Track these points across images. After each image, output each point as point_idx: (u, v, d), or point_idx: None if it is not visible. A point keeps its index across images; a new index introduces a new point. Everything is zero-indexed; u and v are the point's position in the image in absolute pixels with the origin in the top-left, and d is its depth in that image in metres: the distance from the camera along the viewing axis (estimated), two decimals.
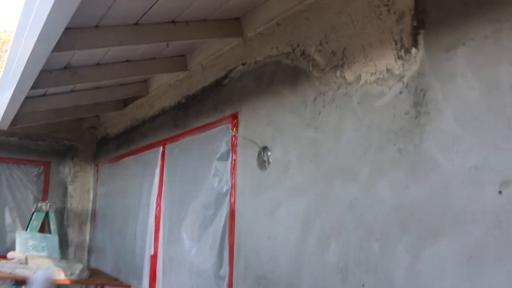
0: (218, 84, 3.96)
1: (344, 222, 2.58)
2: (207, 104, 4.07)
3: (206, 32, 3.42)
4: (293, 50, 3.15)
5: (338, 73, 2.77)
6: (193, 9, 3.23)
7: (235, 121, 3.60)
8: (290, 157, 3.06)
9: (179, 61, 4.24)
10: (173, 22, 3.30)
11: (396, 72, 2.41)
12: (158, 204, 4.56)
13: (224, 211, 3.58)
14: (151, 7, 3.03)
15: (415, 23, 2.34)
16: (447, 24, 2.19)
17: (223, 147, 3.67)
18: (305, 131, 2.95)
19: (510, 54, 1.95)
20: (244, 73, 3.63)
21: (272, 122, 3.26)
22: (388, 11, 2.48)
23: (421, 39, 2.31)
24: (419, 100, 2.28)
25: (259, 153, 3.35)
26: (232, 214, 3.51)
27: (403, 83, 2.37)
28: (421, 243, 2.17)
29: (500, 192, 1.92)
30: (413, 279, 2.18)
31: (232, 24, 3.56)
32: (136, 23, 3.19)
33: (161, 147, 4.67)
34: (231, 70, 3.80)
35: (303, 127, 2.97)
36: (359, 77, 2.63)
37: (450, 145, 2.12)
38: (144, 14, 3.10)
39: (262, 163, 3.31)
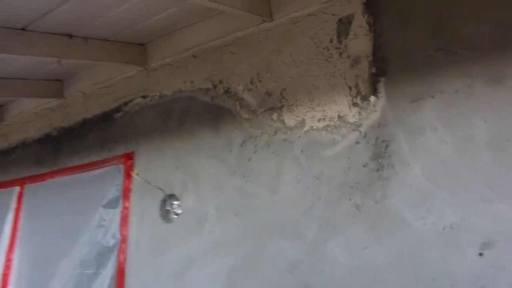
0: (106, 117, 3.41)
1: (284, 287, 2.26)
2: (89, 139, 3.47)
3: (106, 53, 2.92)
4: (214, 86, 2.83)
5: (274, 116, 2.53)
6: (94, 25, 2.74)
7: (130, 162, 3.09)
8: (207, 208, 2.67)
9: (54, 86, 3.58)
10: (70, 35, 2.75)
11: (351, 120, 2.26)
12: (8, 261, 3.66)
13: (109, 271, 2.98)
14: (48, 12, 2.46)
15: (373, 70, 2.23)
16: (412, 75, 2.12)
17: (112, 192, 3.11)
18: (230, 179, 2.61)
19: (485, 111, 1.93)
20: (145, 107, 3.17)
21: (183, 166, 2.85)
22: (340, 54, 2.35)
23: (381, 87, 2.20)
24: (380, 151, 2.14)
25: (163, 201, 2.88)
26: (120, 274, 2.93)
27: (360, 132, 2.22)
28: None
29: (481, 254, 1.82)
30: None
31: (134, 50, 3.12)
32: (23, 29, 2.57)
33: (18, 187, 3.83)
34: (126, 103, 3.30)
35: (227, 174, 2.63)
36: (302, 123, 2.42)
37: (420, 202, 1.99)
38: (36, 19, 2.50)
39: (166, 214, 2.85)
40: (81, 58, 2.83)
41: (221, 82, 2.80)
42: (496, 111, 1.90)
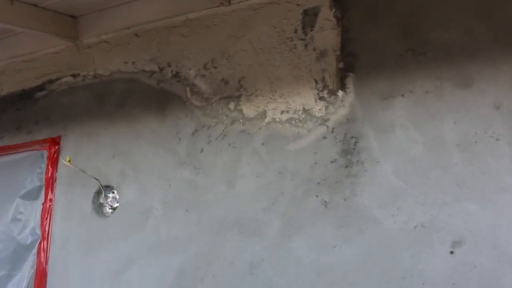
0: (25, 96, 3.05)
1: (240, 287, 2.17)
2: (2, 120, 3.08)
3: (33, 21, 2.60)
4: (161, 69, 2.65)
5: (231, 106, 2.42)
6: None
7: (55, 147, 2.79)
8: (151, 202, 2.49)
9: None
10: None
11: (317, 114, 2.22)
12: None
13: (26, 272, 2.66)
14: None
15: (341, 65, 2.21)
16: (382, 72, 2.14)
17: (32, 181, 2.79)
18: (179, 170, 2.46)
19: (454, 112, 1.99)
20: (75, 87, 2.88)
21: (122, 154, 2.63)
22: (305, 46, 2.31)
23: (350, 83, 2.19)
24: (349, 148, 2.13)
25: (97, 193, 2.64)
26: (41, 276, 2.63)
27: (327, 127, 2.19)
28: None
29: (451, 252, 1.88)
30: None
31: (65, 22, 2.82)
32: None
33: None
34: (51, 81, 2.98)
35: (175, 165, 2.48)
36: (263, 114, 2.34)
37: (390, 201, 2.01)
38: None
39: (100, 207, 2.61)
40: (4, 22, 2.48)
41: (169, 65, 2.63)
42: (464, 113, 1.97)
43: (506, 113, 1.93)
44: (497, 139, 1.92)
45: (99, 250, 2.56)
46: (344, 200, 2.08)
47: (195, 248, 2.32)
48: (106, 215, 2.59)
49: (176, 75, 2.60)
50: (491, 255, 1.84)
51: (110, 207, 2.58)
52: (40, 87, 3.00)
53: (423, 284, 1.89)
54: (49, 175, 2.76)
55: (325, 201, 2.11)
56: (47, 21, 2.68)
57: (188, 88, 2.54)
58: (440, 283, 1.87)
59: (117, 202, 2.58)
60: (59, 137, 2.81)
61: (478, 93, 1.97)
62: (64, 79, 2.93)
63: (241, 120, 2.38)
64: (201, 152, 2.43)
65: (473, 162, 1.92)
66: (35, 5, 2.62)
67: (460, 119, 1.97)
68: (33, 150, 2.85)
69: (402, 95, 2.07)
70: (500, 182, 1.89)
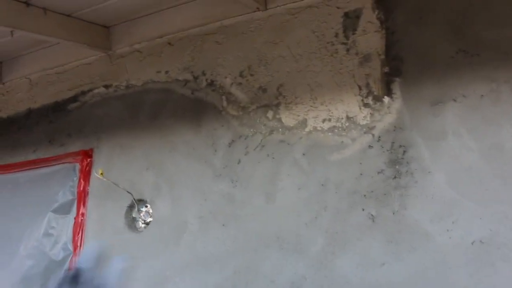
0: (58, 108, 3.03)
1: None
2: (35, 133, 3.07)
3: (65, 31, 2.58)
4: (195, 78, 2.59)
5: (269, 114, 2.33)
6: None
7: (88, 160, 2.75)
8: (186, 217, 2.41)
9: None
10: (26, 3, 2.39)
11: (362, 122, 2.11)
12: None
13: None
14: None
15: (386, 69, 2.10)
16: (431, 76, 2.01)
17: (65, 195, 2.76)
18: (215, 183, 2.38)
19: None
20: (108, 98, 2.85)
21: (155, 167, 2.57)
22: (347, 50, 2.21)
23: (396, 88, 2.07)
24: (397, 157, 2.01)
25: (130, 207, 2.58)
26: None
27: (373, 135, 2.08)
28: None
29: None
30: None
31: (98, 32, 2.80)
32: None
33: None
34: (84, 92, 2.95)
35: (211, 178, 2.40)
36: (304, 122, 2.24)
37: (444, 214, 1.88)
38: None
39: (133, 222, 2.55)
40: (38, 32, 2.47)
41: (203, 73, 2.57)
42: None
43: None
44: None
45: (132, 267, 2.48)
46: (393, 213, 1.95)
47: (232, 265, 2.23)
48: (139, 230, 2.53)
49: (211, 83, 2.53)
50: None
51: (143, 221, 2.52)
52: (73, 99, 2.98)
53: None
54: (81, 188, 2.72)
55: (372, 215, 1.99)
56: (79, 31, 2.66)
57: (224, 97, 2.47)
58: None
59: (151, 217, 2.52)
60: (92, 150, 2.77)
61: None
62: (96, 90, 2.90)
63: (280, 130, 2.29)
64: (238, 163, 2.34)
65: None
66: (68, 15, 2.60)
67: None
68: (65, 163, 2.82)
69: (454, 100, 1.95)
70: None
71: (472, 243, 1.81)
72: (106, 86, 2.88)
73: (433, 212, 1.89)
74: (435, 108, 1.98)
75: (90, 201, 2.71)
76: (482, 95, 1.91)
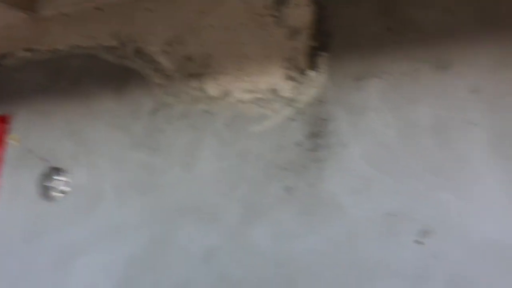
0: None
1: (195, 279, 2.04)
2: None
3: None
4: (123, 45, 2.52)
5: (194, 84, 2.30)
6: None
7: (4, 126, 2.63)
8: (103, 186, 2.35)
9: None
10: None
11: (286, 94, 2.12)
12: None
13: None
14: None
15: (314, 44, 2.12)
16: (357, 53, 2.04)
17: None
18: (135, 152, 2.33)
19: (430, 96, 1.91)
20: (30, 62, 2.74)
21: (76, 135, 2.49)
22: (277, 23, 2.21)
23: (322, 63, 2.09)
24: (317, 131, 2.02)
25: (44, 176, 2.49)
26: None
27: (295, 108, 2.08)
28: None
29: (420, 242, 1.78)
30: None
31: None
32: None
33: None
34: (4, 55, 2.82)
35: (131, 146, 2.34)
36: (228, 93, 2.22)
37: (359, 187, 1.90)
38: None
39: (48, 191, 2.46)
40: None
41: (131, 41, 2.51)
42: (441, 97, 1.89)
43: (484, 97, 1.85)
44: (474, 125, 1.84)
45: (44, 237, 2.40)
46: (309, 186, 1.97)
47: (148, 235, 2.18)
48: (54, 199, 2.44)
49: (138, 51, 2.47)
50: (461, 245, 1.75)
51: (58, 191, 2.43)
52: None
53: (388, 275, 1.78)
54: None
55: (289, 187, 2.00)
56: None
57: (150, 65, 2.42)
58: (407, 274, 1.76)
59: (67, 186, 2.43)
60: (9, 116, 2.65)
61: (455, 76, 1.89)
62: (18, 54, 2.78)
63: (204, 100, 2.26)
64: (159, 132, 2.30)
65: (448, 148, 1.84)
66: None
67: (436, 103, 1.89)
68: None
69: (377, 77, 1.98)
70: (474, 170, 1.80)
71: (383, 216, 1.84)
72: (28, 50, 2.76)
73: (348, 186, 1.91)
74: (358, 84, 2.00)
75: (5, 169, 2.59)
76: (404, 74, 1.95)
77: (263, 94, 2.15)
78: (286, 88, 2.12)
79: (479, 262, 1.73)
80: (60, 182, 2.43)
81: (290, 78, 2.12)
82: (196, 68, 2.31)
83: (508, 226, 1.74)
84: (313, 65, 2.10)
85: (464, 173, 1.80)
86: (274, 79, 2.15)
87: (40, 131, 2.58)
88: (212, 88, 2.26)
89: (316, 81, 2.07)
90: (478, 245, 1.74)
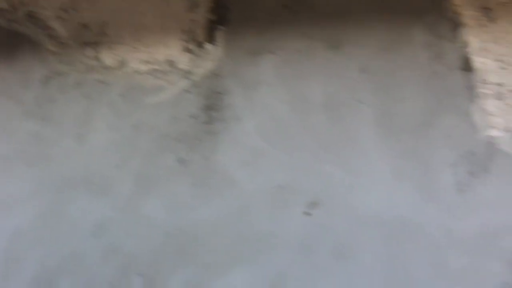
0: None
1: (85, 252, 2.01)
2: None
3: None
4: (13, 8, 2.39)
5: (90, 53, 2.24)
6: None
7: None
8: None
9: None
10: None
11: (182, 66, 2.12)
12: None
13: None
14: None
15: (212, 17, 2.13)
16: (254, 27, 2.08)
17: None
18: (23, 121, 2.23)
19: (322, 73, 1.99)
20: None
21: None
22: None
23: (220, 36, 2.11)
24: (212, 104, 2.05)
25: None
26: None
27: (191, 80, 2.10)
28: (206, 275, 1.88)
29: (308, 214, 1.87)
30: None
31: None
32: None
33: None
34: None
35: (19, 115, 2.25)
36: (124, 63, 2.19)
37: (251, 160, 1.96)
38: None
39: None
40: None
41: (23, 4, 2.38)
42: (332, 75, 1.98)
43: (372, 77, 1.96)
44: (361, 103, 1.94)
45: None
46: (203, 158, 1.99)
47: (35, 208, 2.12)
48: None
49: (30, 15, 2.36)
50: (346, 217, 1.85)
51: None
52: None
53: (277, 246, 1.86)
54: None
55: (182, 159, 2.01)
56: None
57: (43, 31, 2.32)
58: (294, 244, 1.85)
59: None
60: None
61: (346, 56, 1.98)
62: None
63: (98, 69, 2.21)
64: (50, 102, 2.22)
65: (338, 125, 1.93)
66: None
67: (327, 80, 1.97)
68: None
69: (272, 52, 2.03)
70: (361, 146, 1.91)
71: (273, 188, 1.91)
72: None
73: (240, 158, 1.96)
74: (253, 58, 2.05)
75: None
76: (298, 51, 2.01)
77: (160, 65, 2.14)
78: (183, 60, 2.12)
79: (363, 233, 1.84)
80: None
81: (188, 50, 2.12)
82: (91, 37, 2.25)
83: (391, 200, 1.87)
84: (210, 39, 2.11)
85: (352, 149, 1.91)
86: (172, 51, 2.14)
87: None
88: (108, 57, 2.21)
89: (213, 54, 2.09)
90: (362, 217, 1.86)
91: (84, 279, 1.96)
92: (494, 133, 1.90)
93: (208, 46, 2.10)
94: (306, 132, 1.93)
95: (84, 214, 2.05)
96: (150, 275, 1.90)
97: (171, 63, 2.13)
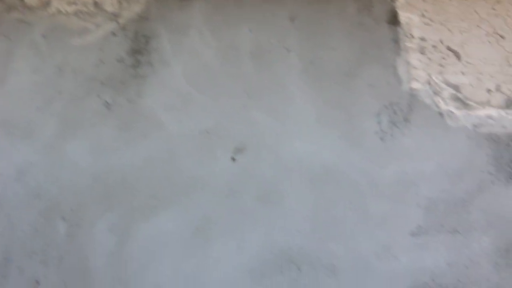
0: None
1: (7, 197, 1.96)
2: None
3: None
4: None
5: None
6: None
7: None
8: None
9: None
10: None
11: (109, 8, 2.07)
12: None
13: None
14: None
15: None
16: None
17: None
18: None
19: (251, 20, 2.01)
20: None
21: None
22: None
23: None
24: (139, 47, 2.02)
25: None
26: None
27: (118, 23, 2.05)
28: (132, 219, 1.88)
29: (233, 159, 1.90)
30: (119, 265, 1.86)
31: None
32: None
33: None
34: None
35: None
36: (47, 3, 2.11)
37: (178, 105, 1.96)
38: None
39: None
40: None
41: None
42: (261, 22, 1.99)
43: (300, 26, 1.99)
44: (290, 51, 1.98)
45: None
46: (129, 102, 1.97)
47: None
48: None
49: None
50: (272, 163, 1.90)
51: None
52: None
53: (202, 189, 1.88)
54: None
55: (108, 102, 1.98)
56: None
57: None
58: (220, 189, 1.88)
59: None
60: None
61: (275, 4, 2.00)
62: None
63: (19, 8, 2.12)
64: None
65: (265, 72, 1.96)
66: None
67: (256, 28, 1.99)
68: None
69: None
70: (287, 93, 1.95)
71: (200, 133, 1.92)
72: None
73: (168, 103, 1.96)
74: (183, 3, 2.03)
75: None
76: None
77: (85, 6, 2.08)
78: (109, 2, 2.07)
79: (289, 178, 1.90)
80: None
81: None
82: None
83: (316, 147, 1.93)
84: None
85: (279, 96, 1.95)
86: None
87: None
88: None
89: None
90: (288, 163, 1.91)
91: (6, 225, 1.91)
92: (416, 85, 1.98)
93: None
94: (234, 79, 1.95)
95: (5, 158, 1.99)
96: (74, 220, 1.89)
97: (97, 4, 2.07)
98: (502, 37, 2.01)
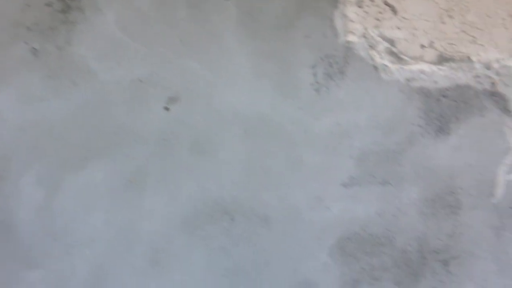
0: None
1: None
2: None
3: None
4: None
5: None
6: None
7: None
8: None
9: None
10: None
11: None
12: None
13: None
14: None
15: None
16: None
17: None
18: None
19: None
20: None
21: None
22: None
23: None
24: None
25: None
26: None
27: None
28: (61, 170, 1.86)
29: (167, 108, 1.90)
30: (48, 218, 1.84)
31: None
32: None
33: None
34: None
35: None
36: None
37: (110, 53, 1.91)
38: None
39: None
40: None
41: None
42: None
43: None
44: (226, 0, 1.96)
45: None
46: (57, 49, 1.91)
47: None
48: None
49: None
50: (206, 113, 1.91)
51: None
52: None
53: (134, 139, 1.87)
54: None
55: (34, 49, 1.91)
56: None
57: None
58: (152, 139, 1.88)
59: None
60: None
61: None
62: None
63: None
64: None
65: (201, 21, 1.94)
66: None
67: None
68: None
69: None
70: (223, 42, 1.94)
71: (132, 82, 1.90)
72: None
73: (98, 50, 1.91)
74: None
75: None
76: None
77: None
78: None
79: (223, 129, 1.92)
80: None
81: None
82: None
83: (251, 97, 1.94)
84: None
85: (214, 46, 1.94)
86: None
87: None
88: None
89: None
90: (222, 114, 1.92)
91: None
92: (352, 38, 2.01)
93: None
94: (168, 27, 1.92)
95: None
96: None
97: None
98: None
